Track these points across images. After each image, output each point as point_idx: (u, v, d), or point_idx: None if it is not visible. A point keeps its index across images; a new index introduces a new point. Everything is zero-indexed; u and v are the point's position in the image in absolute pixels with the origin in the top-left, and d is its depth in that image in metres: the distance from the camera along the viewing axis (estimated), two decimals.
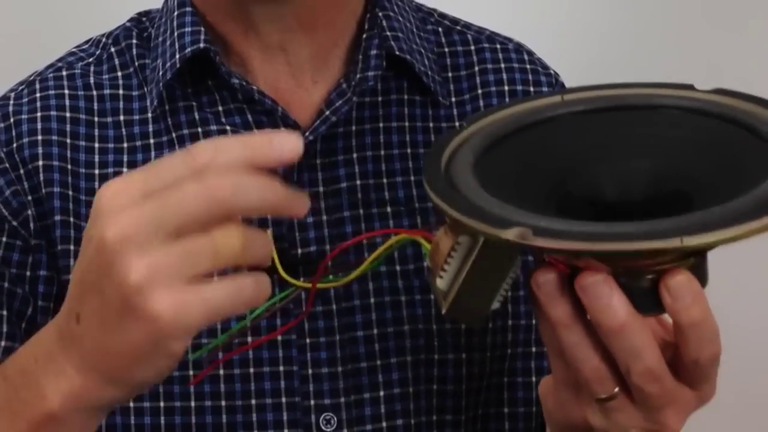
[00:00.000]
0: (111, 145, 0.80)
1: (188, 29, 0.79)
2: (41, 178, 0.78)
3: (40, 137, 0.80)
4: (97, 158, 0.80)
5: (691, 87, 0.63)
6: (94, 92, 0.82)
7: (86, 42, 0.87)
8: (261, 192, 0.51)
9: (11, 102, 0.82)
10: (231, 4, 0.80)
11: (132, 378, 0.54)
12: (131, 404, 0.77)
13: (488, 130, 0.62)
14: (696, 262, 0.54)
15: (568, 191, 0.60)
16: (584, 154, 0.61)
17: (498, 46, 0.88)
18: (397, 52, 0.80)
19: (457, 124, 0.84)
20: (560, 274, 0.55)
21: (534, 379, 0.82)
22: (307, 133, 0.79)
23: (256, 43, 0.81)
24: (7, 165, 0.79)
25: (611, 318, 0.53)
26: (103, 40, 0.86)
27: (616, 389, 0.57)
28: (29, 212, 0.78)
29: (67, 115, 0.81)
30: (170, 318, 0.50)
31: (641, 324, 0.54)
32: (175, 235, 0.50)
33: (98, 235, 0.51)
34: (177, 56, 0.79)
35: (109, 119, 0.81)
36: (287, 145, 0.52)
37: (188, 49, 0.78)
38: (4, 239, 0.78)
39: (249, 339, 0.76)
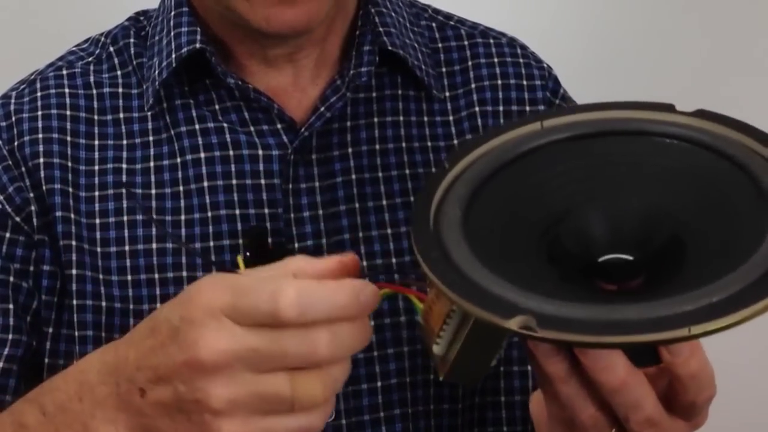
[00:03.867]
0: (110, 142, 0.81)
1: (185, 29, 0.80)
2: (42, 174, 0.80)
3: (40, 135, 0.81)
4: (96, 155, 0.81)
5: (671, 108, 0.62)
6: (94, 91, 0.84)
7: (85, 41, 0.88)
8: (352, 344, 0.53)
9: (12, 100, 0.83)
10: (242, 33, 0.80)
11: None
12: None
13: (471, 173, 0.61)
14: None
15: (558, 236, 0.59)
16: (571, 190, 0.60)
17: (491, 41, 0.89)
18: (390, 47, 0.81)
19: (450, 118, 0.85)
20: None
21: (530, 368, 0.83)
22: (302, 129, 0.80)
23: (261, 62, 0.82)
24: (10, 162, 0.81)
25: (611, 377, 0.54)
26: (102, 39, 0.87)
27: (614, 430, 0.58)
28: (32, 208, 0.79)
29: (68, 113, 0.82)
30: None
31: (640, 378, 0.55)
32: (263, 372, 0.52)
33: (190, 346, 0.52)
34: (173, 56, 0.80)
35: (109, 117, 0.82)
36: (372, 301, 0.53)
37: (184, 49, 0.79)
38: (7, 235, 0.79)
39: None
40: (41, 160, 0.80)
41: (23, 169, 0.80)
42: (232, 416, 0.52)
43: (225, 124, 0.81)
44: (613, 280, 0.57)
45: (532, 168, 0.61)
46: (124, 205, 0.80)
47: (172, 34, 0.81)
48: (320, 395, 0.53)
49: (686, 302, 0.50)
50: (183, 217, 0.79)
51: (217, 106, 0.81)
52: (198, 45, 0.79)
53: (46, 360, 0.79)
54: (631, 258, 0.58)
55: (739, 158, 0.57)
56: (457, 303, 0.52)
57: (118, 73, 0.84)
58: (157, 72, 0.81)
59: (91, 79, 0.84)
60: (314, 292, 0.52)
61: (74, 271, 0.78)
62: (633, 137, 0.61)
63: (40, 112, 0.82)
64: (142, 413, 0.55)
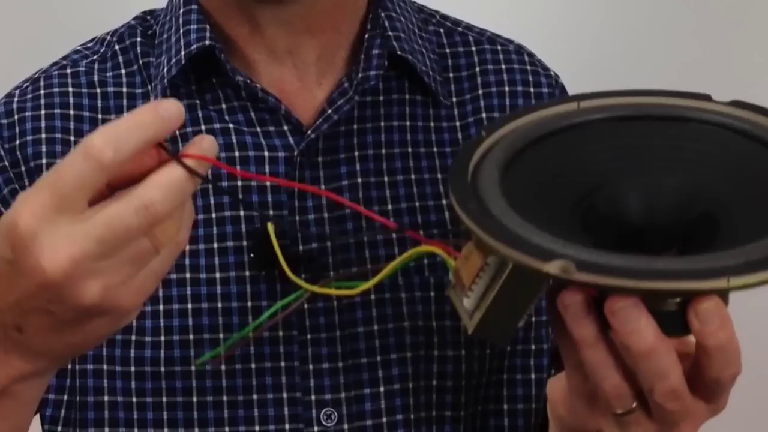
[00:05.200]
0: None
1: (194, 26, 0.80)
2: None
3: (43, 135, 0.80)
4: None
5: (708, 97, 0.62)
6: (98, 90, 0.83)
7: (91, 40, 0.88)
8: (183, 185, 0.52)
9: (16, 99, 0.83)
10: (237, 8, 0.81)
11: (88, 350, 0.59)
12: (134, 399, 0.77)
13: (509, 141, 0.61)
14: None
15: (592, 205, 0.59)
16: (608, 166, 0.61)
17: (499, 47, 0.89)
18: (399, 52, 0.81)
19: (457, 123, 0.85)
20: (587, 296, 0.55)
21: (533, 376, 0.83)
22: (309, 132, 0.79)
23: (262, 48, 0.81)
24: (7, 163, 0.80)
25: (640, 341, 0.53)
26: (108, 38, 0.87)
27: (635, 404, 0.58)
28: None
29: (71, 112, 0.81)
30: (131, 305, 0.53)
31: (668, 346, 0.54)
32: (117, 249, 0.52)
33: (36, 271, 0.51)
34: (182, 53, 0.79)
35: (113, 117, 0.82)
36: (174, 111, 0.52)
37: (194, 46, 0.79)
38: None
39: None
40: (44, 161, 0.79)
41: (23, 168, 0.80)
42: (115, 295, 0.52)
43: (231, 125, 0.81)
44: (646, 250, 0.57)
45: (568, 143, 0.61)
46: None
47: (181, 31, 0.81)
48: (175, 230, 0.53)
49: (725, 258, 0.50)
50: None
51: (223, 105, 0.81)
52: (207, 42, 0.79)
53: None
54: (664, 228, 0.58)
55: None
56: (496, 248, 0.52)
57: (123, 71, 0.84)
58: (165, 70, 0.80)
59: (95, 78, 0.84)
60: (115, 126, 0.51)
61: None
62: (670, 122, 0.61)
63: (43, 111, 0.81)
64: (29, 344, 0.55)
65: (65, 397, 0.79)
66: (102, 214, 0.50)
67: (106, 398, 0.78)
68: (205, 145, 0.53)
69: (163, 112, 0.52)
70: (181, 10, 0.82)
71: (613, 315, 0.53)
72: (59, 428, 0.79)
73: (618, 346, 0.55)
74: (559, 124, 0.62)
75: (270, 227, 0.60)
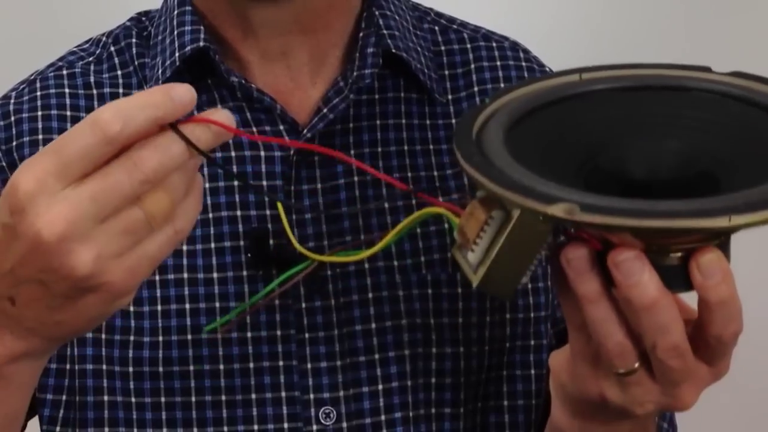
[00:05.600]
0: None
1: (188, 28, 0.80)
2: None
3: (41, 136, 0.80)
4: None
5: (708, 69, 0.63)
6: (95, 91, 0.83)
7: (87, 41, 0.88)
8: (174, 150, 0.52)
9: (12, 101, 0.83)
10: (230, 10, 0.81)
11: (80, 333, 0.58)
12: (133, 399, 0.77)
13: (513, 106, 0.62)
14: (723, 241, 0.55)
15: (596, 166, 0.60)
16: (611, 131, 0.61)
17: (494, 44, 0.89)
18: (394, 50, 0.81)
19: (453, 121, 0.85)
20: (591, 250, 0.55)
21: (533, 372, 0.83)
22: (305, 131, 0.80)
23: (255, 50, 0.81)
24: (5, 164, 0.80)
25: (643, 294, 0.54)
26: (104, 39, 0.87)
27: (637, 364, 0.58)
28: None
29: (68, 113, 0.82)
30: (123, 284, 0.53)
31: (670, 301, 0.54)
32: (110, 216, 0.52)
33: (31, 233, 0.51)
34: (177, 54, 0.79)
35: None
36: (185, 96, 0.53)
37: (188, 48, 0.79)
38: None
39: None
40: None
41: None
42: (107, 268, 0.52)
43: None
44: None
45: (572, 110, 0.62)
46: None
47: (175, 33, 0.81)
48: (169, 204, 0.53)
49: (726, 200, 0.51)
50: None
51: (219, 106, 0.81)
52: (201, 43, 0.79)
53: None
54: (666, 184, 0.59)
55: None
56: (500, 194, 0.53)
57: (119, 72, 0.84)
58: (160, 71, 0.80)
59: (92, 79, 0.84)
60: (126, 102, 0.52)
61: None
62: (671, 91, 0.62)
63: (40, 113, 0.81)
64: (21, 318, 0.55)
65: (64, 397, 0.79)
66: (94, 175, 0.51)
67: (105, 398, 0.78)
68: (214, 117, 0.54)
69: (174, 96, 0.52)
70: (176, 12, 0.82)
71: (617, 267, 0.53)
72: (58, 428, 0.79)
73: (621, 302, 0.55)
74: (561, 93, 0.63)
75: (280, 205, 0.66)
